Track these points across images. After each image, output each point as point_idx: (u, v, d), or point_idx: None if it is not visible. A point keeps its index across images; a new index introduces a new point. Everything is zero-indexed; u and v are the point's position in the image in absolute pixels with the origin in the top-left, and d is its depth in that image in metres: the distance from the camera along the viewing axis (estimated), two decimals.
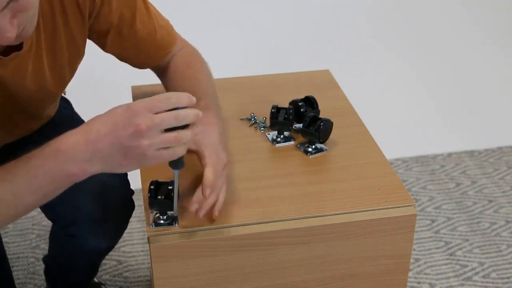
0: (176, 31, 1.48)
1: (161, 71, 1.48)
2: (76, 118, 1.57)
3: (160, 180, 1.24)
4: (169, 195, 1.22)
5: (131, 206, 1.46)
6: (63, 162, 1.03)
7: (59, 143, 1.04)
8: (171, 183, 1.23)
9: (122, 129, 1.01)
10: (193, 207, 1.21)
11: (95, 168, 1.04)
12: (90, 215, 1.38)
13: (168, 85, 1.45)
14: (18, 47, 1.19)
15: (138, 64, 1.46)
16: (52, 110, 1.48)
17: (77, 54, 1.34)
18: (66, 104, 1.59)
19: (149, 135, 1.01)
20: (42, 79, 1.29)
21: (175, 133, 1.03)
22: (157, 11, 1.43)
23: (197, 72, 1.44)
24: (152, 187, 1.23)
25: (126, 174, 1.44)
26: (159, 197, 1.22)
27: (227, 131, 1.51)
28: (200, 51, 1.49)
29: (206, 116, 1.26)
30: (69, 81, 1.38)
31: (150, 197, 1.23)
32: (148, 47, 1.40)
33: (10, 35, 1.02)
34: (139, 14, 1.35)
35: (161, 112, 1.02)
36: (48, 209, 1.46)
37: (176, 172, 1.15)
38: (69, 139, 1.03)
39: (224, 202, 1.25)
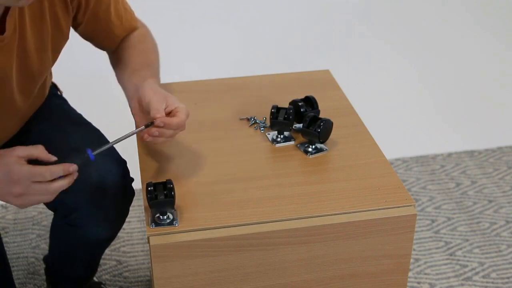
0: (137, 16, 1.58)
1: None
2: (72, 112, 1.58)
3: (155, 181, 1.25)
4: (168, 194, 1.22)
5: (130, 193, 1.47)
6: None
7: None
8: (169, 182, 1.23)
9: (2, 194, 1.19)
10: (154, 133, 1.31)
11: None
12: (90, 201, 1.39)
13: (120, 54, 1.53)
14: (1, 31, 1.23)
15: (103, 46, 1.55)
16: (41, 93, 1.49)
17: (61, 37, 1.39)
18: (61, 101, 1.61)
19: (24, 195, 1.19)
20: (28, 62, 1.33)
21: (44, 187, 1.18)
22: None
23: (149, 46, 1.54)
24: (150, 188, 1.23)
25: (125, 162, 1.45)
26: (160, 197, 1.22)
27: (227, 131, 1.52)
28: (152, 33, 1.59)
29: (149, 83, 1.39)
30: (52, 64, 1.44)
31: (149, 199, 1.23)
32: (116, 31, 1.50)
33: None
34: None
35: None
36: None
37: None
38: None
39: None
